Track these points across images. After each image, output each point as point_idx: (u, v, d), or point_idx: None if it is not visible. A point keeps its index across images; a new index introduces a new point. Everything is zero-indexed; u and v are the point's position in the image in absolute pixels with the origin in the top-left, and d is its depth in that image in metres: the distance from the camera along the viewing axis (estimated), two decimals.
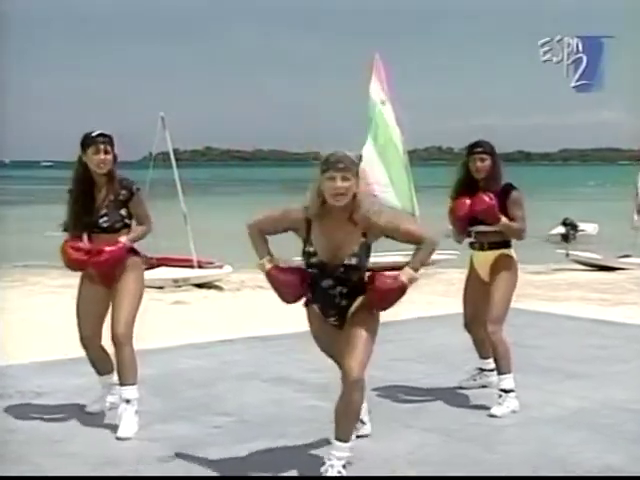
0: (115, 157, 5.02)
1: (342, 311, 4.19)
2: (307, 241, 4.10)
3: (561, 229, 25.25)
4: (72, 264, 5.02)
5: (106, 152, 4.96)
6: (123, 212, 5.02)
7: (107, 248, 4.93)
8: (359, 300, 4.17)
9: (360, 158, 4.05)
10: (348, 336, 4.11)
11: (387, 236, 4.09)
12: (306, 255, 4.11)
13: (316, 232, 4.09)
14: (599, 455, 4.61)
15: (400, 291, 4.05)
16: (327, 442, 4.26)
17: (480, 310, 5.57)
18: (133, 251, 5.11)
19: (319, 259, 4.07)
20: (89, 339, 5.15)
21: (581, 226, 25.38)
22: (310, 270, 4.12)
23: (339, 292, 4.13)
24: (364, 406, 4.61)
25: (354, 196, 3.99)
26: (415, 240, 4.10)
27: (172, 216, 15.78)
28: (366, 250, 4.09)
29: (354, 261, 4.05)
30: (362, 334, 4.09)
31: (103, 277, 5.05)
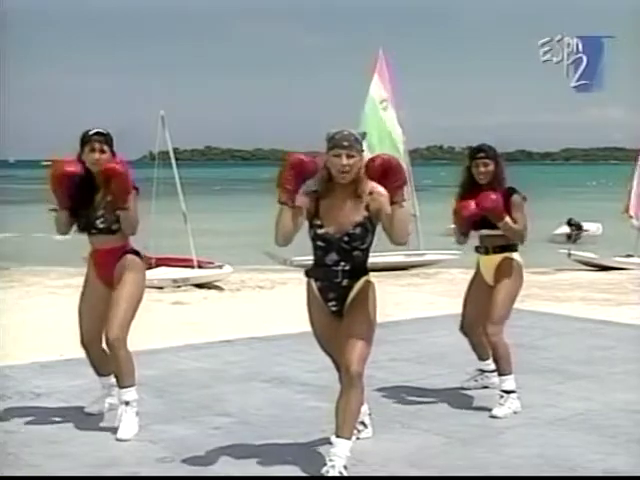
0: (113, 156, 4.96)
1: (342, 294, 4.25)
2: (315, 215, 4.23)
3: (565, 229, 25.24)
4: (62, 168, 4.84)
5: (101, 151, 4.89)
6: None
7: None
8: (359, 285, 4.24)
9: (364, 136, 4.26)
10: (347, 330, 4.18)
11: (379, 214, 4.17)
12: (313, 228, 4.24)
13: (323, 207, 4.23)
14: (602, 457, 4.58)
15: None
16: (328, 443, 4.23)
17: (481, 313, 5.53)
18: (135, 252, 5.07)
19: (325, 230, 4.20)
20: (89, 340, 5.10)
21: (585, 226, 25.37)
22: (316, 243, 4.24)
23: (342, 269, 4.21)
24: (364, 408, 4.59)
25: (358, 171, 4.17)
26: (389, 216, 4.17)
27: (172, 215, 15.78)
28: (370, 225, 4.20)
29: (358, 230, 4.17)
30: (361, 329, 4.17)
31: (104, 275, 5.00)
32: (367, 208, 4.19)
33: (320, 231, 4.21)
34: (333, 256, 4.22)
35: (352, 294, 4.25)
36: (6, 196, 47.35)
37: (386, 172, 4.16)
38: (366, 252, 4.27)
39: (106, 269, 5.00)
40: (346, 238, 4.18)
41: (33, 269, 17.61)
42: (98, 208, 4.94)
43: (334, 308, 4.30)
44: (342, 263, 4.21)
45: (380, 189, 4.16)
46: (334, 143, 4.15)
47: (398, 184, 4.15)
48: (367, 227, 4.20)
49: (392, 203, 4.13)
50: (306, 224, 4.29)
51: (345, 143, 4.13)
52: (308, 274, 4.36)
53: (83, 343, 5.13)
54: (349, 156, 4.13)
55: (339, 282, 4.24)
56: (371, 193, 4.19)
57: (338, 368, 4.34)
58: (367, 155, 4.27)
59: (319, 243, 4.24)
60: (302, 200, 4.20)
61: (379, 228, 4.29)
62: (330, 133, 4.19)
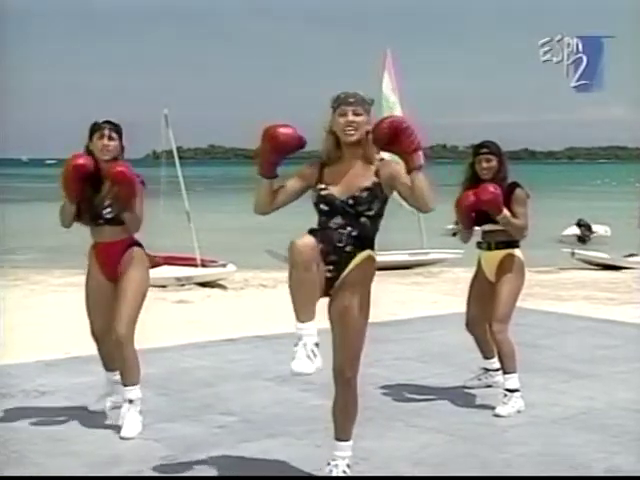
0: (122, 147, 4.98)
1: (343, 260, 3.90)
2: (319, 181, 3.99)
3: (574, 230, 25.18)
4: (77, 164, 4.83)
5: (110, 138, 4.90)
6: None
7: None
8: (362, 255, 3.91)
9: (372, 102, 4.00)
10: (341, 323, 3.94)
11: (394, 184, 3.91)
12: (317, 191, 3.97)
13: (329, 173, 4.00)
14: (605, 456, 4.59)
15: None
16: (332, 441, 4.22)
17: (485, 310, 5.54)
18: (138, 245, 5.08)
19: (329, 192, 3.94)
20: (100, 332, 5.11)
21: (593, 227, 25.34)
22: (320, 208, 3.96)
23: (348, 233, 3.90)
24: (315, 339, 3.96)
25: (366, 134, 3.92)
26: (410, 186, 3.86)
27: (175, 214, 15.78)
28: (379, 191, 3.92)
29: (364, 194, 3.89)
30: (357, 324, 3.93)
31: (107, 269, 5.00)
32: (377, 174, 3.93)
33: (323, 192, 3.94)
34: (338, 220, 3.91)
35: (352, 264, 3.90)
36: (12, 195, 47.36)
37: (397, 135, 3.78)
38: (374, 221, 3.96)
39: (110, 263, 4.99)
40: (351, 201, 3.89)
41: (37, 267, 17.63)
42: (105, 198, 4.93)
43: (329, 274, 3.90)
44: (348, 228, 3.90)
45: (392, 158, 3.90)
46: (339, 102, 3.91)
47: (413, 147, 3.78)
48: (375, 193, 3.91)
49: (409, 171, 3.81)
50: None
51: (351, 100, 3.89)
52: (312, 231, 3.94)
53: (94, 335, 5.15)
54: (356, 113, 3.88)
55: (342, 246, 3.89)
56: (382, 159, 3.96)
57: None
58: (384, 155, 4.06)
59: (322, 207, 3.95)
60: (306, 170, 4.01)
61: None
62: (335, 95, 3.94)
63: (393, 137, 3.79)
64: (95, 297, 5.09)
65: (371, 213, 3.94)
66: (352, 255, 3.92)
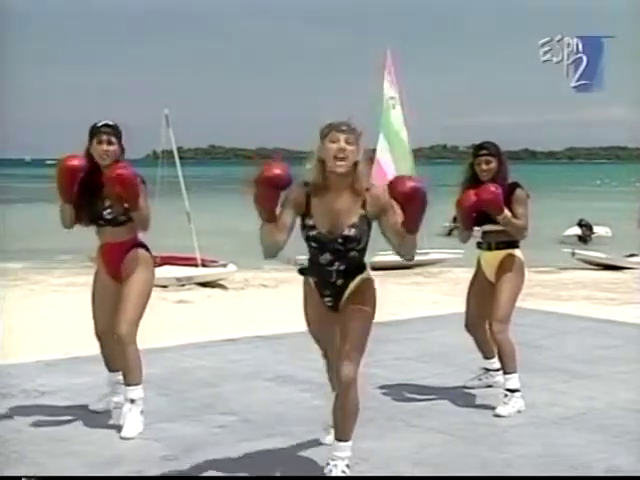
0: (122, 149, 4.98)
1: (338, 292, 4.06)
2: (306, 215, 3.97)
3: (576, 230, 25.23)
4: (64, 163, 4.81)
5: (109, 143, 4.89)
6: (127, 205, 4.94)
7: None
8: (355, 283, 4.05)
9: (362, 132, 3.95)
10: (343, 333, 4.01)
11: (379, 217, 3.95)
12: (305, 229, 3.99)
13: (316, 204, 3.96)
14: (605, 456, 4.58)
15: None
16: (332, 441, 4.23)
17: (484, 310, 5.54)
18: (143, 246, 5.08)
19: (318, 231, 3.95)
20: (104, 333, 5.11)
21: (594, 229, 25.39)
22: (310, 244, 4.01)
23: (336, 269, 4.00)
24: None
25: (355, 165, 3.91)
26: (400, 232, 3.95)
27: (176, 215, 15.80)
28: (366, 224, 3.96)
29: (353, 232, 3.92)
30: (357, 334, 4.00)
31: (111, 268, 5.01)
32: (364, 206, 3.94)
33: (312, 233, 3.96)
34: (327, 256, 3.99)
35: (347, 292, 4.06)
36: (13, 195, 47.36)
37: (416, 202, 3.84)
38: (363, 251, 4.05)
39: (114, 264, 5.00)
40: (340, 240, 3.94)
41: (37, 267, 17.66)
42: (106, 199, 4.93)
43: (329, 304, 4.11)
44: (336, 263, 3.99)
45: (379, 190, 3.91)
46: (331, 128, 3.88)
47: (420, 216, 3.89)
48: (362, 228, 3.95)
49: (407, 231, 3.91)
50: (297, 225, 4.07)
51: (344, 127, 3.86)
52: (303, 271, 4.15)
53: (97, 333, 5.16)
54: (348, 142, 3.85)
55: (333, 282, 4.04)
56: (368, 190, 3.93)
57: (329, 363, 4.24)
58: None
59: (312, 244, 4.00)
60: (294, 201, 3.95)
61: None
62: (324, 124, 3.92)
63: (411, 201, 3.84)
64: (100, 297, 5.10)
65: (361, 247, 4.02)
66: (344, 286, 4.06)
